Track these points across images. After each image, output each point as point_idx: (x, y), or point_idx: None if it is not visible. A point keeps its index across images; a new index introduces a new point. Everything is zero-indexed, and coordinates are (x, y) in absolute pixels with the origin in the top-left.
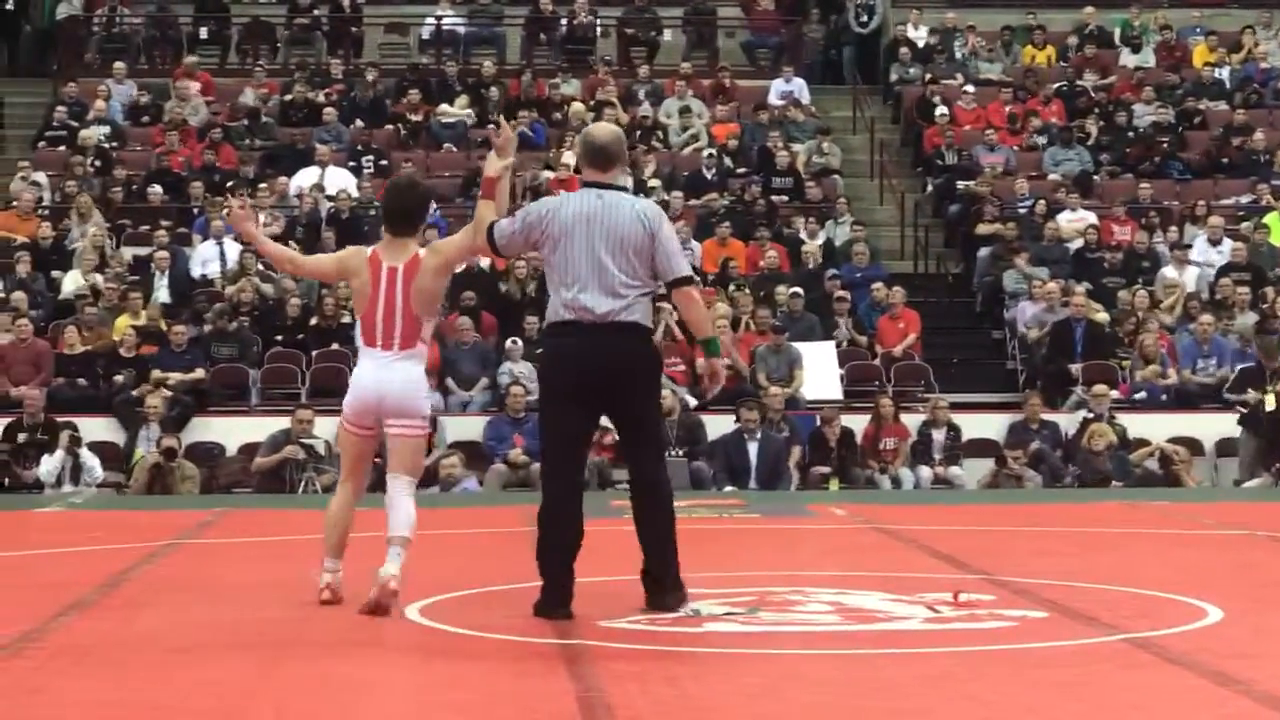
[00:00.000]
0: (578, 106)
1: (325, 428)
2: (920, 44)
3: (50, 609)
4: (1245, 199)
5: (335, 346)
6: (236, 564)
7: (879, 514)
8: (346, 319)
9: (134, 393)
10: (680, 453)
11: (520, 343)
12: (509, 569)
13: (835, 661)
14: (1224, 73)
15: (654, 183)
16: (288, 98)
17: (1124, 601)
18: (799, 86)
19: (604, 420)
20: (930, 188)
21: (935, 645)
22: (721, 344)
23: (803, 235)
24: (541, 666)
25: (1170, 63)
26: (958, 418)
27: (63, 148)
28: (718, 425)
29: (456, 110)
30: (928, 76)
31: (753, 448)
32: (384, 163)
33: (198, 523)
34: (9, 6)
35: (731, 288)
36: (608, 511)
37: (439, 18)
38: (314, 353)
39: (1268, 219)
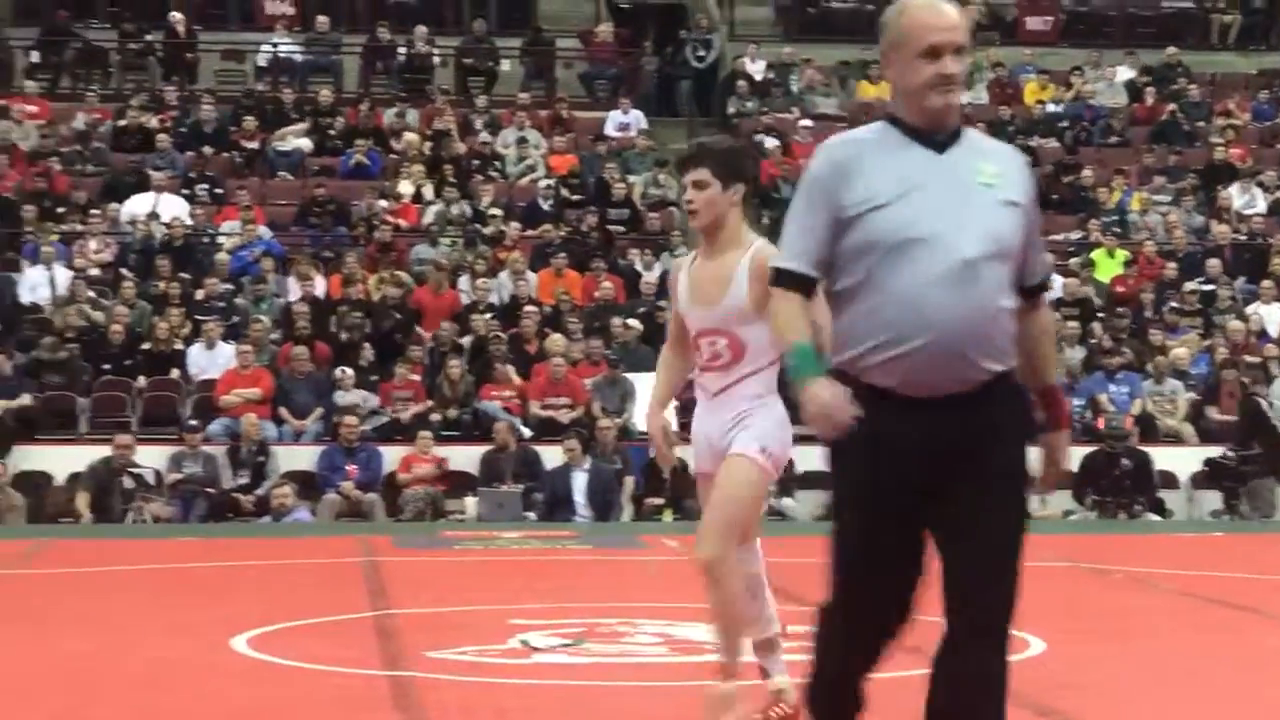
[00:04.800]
0: (412, 137)
1: (152, 456)
2: (757, 78)
3: None
4: (1075, 235)
5: (174, 374)
6: (60, 594)
7: None
8: (179, 345)
9: None
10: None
11: (350, 372)
12: (340, 600)
13: (660, 693)
14: (1056, 110)
15: (493, 212)
16: (121, 123)
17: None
18: (636, 118)
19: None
20: (766, 220)
21: (761, 677)
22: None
23: (639, 267)
24: (368, 698)
25: (1002, 99)
26: (792, 449)
27: None
28: (554, 457)
29: (293, 138)
30: (764, 110)
31: (579, 479)
32: (219, 190)
33: (22, 553)
34: None
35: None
36: (439, 542)
37: (275, 45)
38: (144, 380)
39: (1095, 255)
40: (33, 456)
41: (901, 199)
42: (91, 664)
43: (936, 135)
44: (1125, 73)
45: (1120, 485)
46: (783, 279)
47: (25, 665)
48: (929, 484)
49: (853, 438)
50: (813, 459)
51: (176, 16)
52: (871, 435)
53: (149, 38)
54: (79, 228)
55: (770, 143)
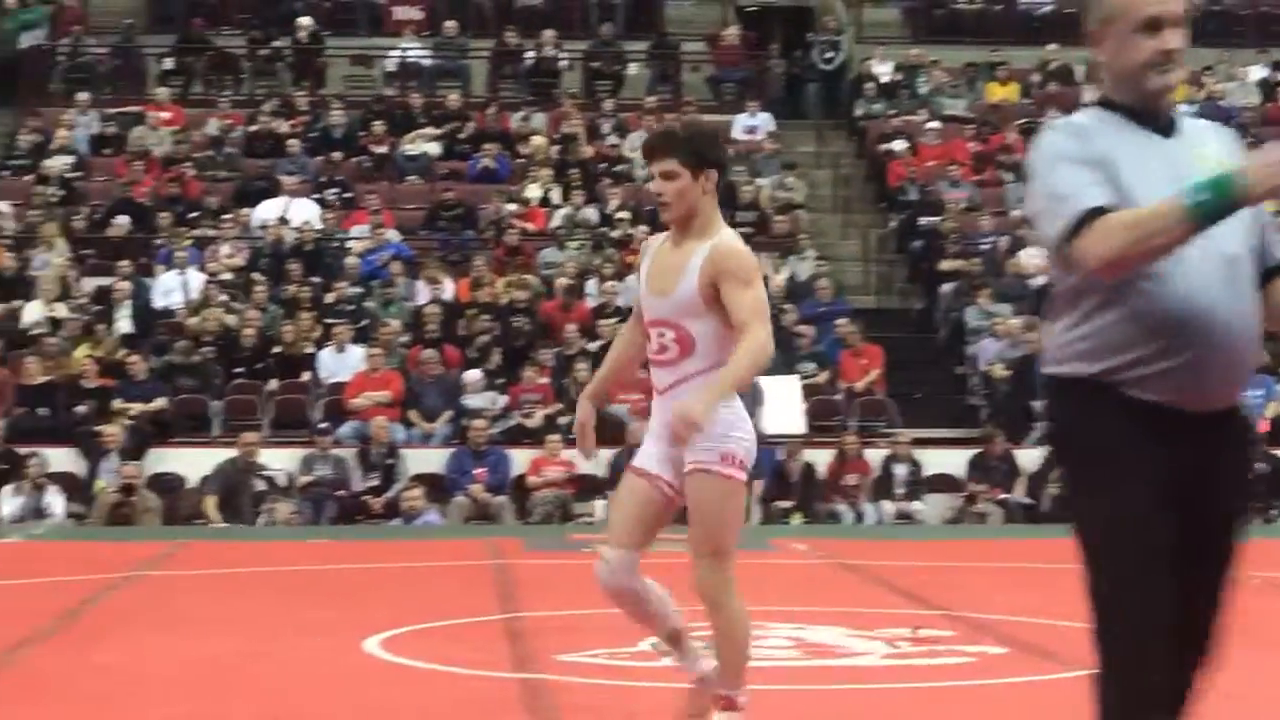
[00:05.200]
0: (539, 141)
1: (283, 459)
2: (884, 80)
3: (8, 641)
4: None
5: (304, 377)
6: (195, 596)
7: (840, 549)
8: (309, 348)
9: (96, 428)
10: None
11: (479, 375)
12: (470, 602)
13: (794, 697)
14: (1186, 110)
15: (620, 216)
16: (252, 129)
17: (1085, 638)
18: (763, 121)
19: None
20: (894, 223)
21: (894, 681)
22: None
23: (766, 270)
24: (499, 701)
25: None
26: (919, 453)
27: (26, 177)
28: None
29: (422, 142)
30: (892, 112)
31: None
32: (348, 194)
33: (159, 554)
34: None
35: None
36: (568, 545)
37: (404, 50)
38: (275, 383)
39: None
40: (167, 459)
41: (1144, 191)
42: (226, 665)
43: (1158, 118)
44: (1258, 72)
45: (1254, 490)
46: (1084, 220)
47: (161, 666)
48: (1187, 502)
49: (1113, 460)
50: (942, 462)
51: (304, 22)
52: (1136, 454)
53: (278, 44)
54: (211, 233)
55: (899, 145)
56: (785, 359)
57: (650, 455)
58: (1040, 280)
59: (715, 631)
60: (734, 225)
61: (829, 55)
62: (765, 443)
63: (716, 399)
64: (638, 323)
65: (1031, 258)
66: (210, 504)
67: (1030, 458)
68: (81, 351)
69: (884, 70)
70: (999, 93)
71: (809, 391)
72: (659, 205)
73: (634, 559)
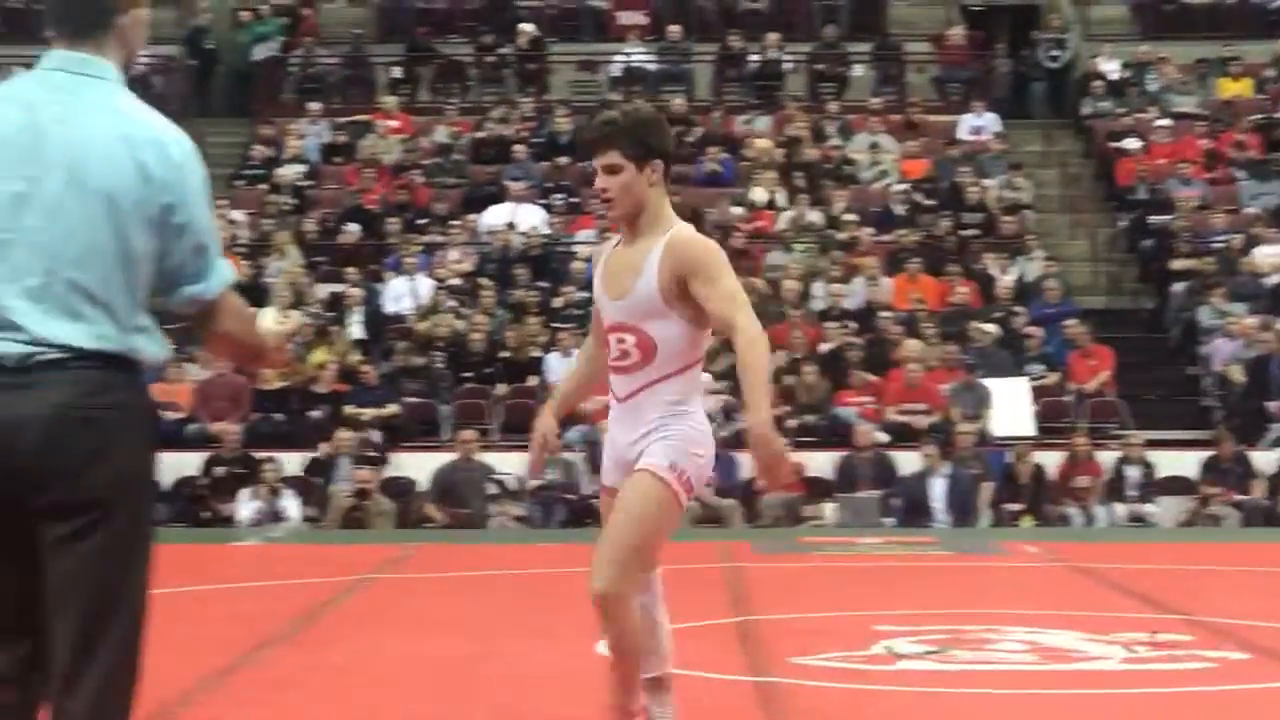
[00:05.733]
0: (764, 144)
1: (516, 462)
2: (1112, 77)
3: (248, 642)
4: None
5: (532, 381)
6: (430, 598)
7: (1072, 551)
8: (537, 353)
9: (325, 448)
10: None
11: (707, 378)
12: (701, 605)
13: (1032, 701)
14: None
15: (846, 218)
16: (479, 135)
17: None
18: (989, 121)
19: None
20: (1123, 223)
21: (1134, 686)
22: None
23: (993, 271)
24: (734, 703)
25: None
26: (1151, 454)
27: (260, 186)
28: (908, 462)
29: None
30: (1120, 110)
31: (938, 485)
32: (574, 199)
33: (392, 557)
34: (209, 46)
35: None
36: (798, 548)
37: (628, 55)
38: (505, 387)
39: None
40: (399, 463)
41: None
42: (460, 666)
43: None
44: None
45: None
46: None
47: (397, 667)
48: None
49: None
50: (1175, 464)
51: (525, 28)
52: None
53: (503, 51)
54: (439, 239)
55: (1131, 143)
56: (1015, 360)
57: (614, 467)
58: (1276, 278)
59: (608, 643)
60: (960, 227)
61: (1055, 53)
62: (994, 445)
63: (768, 414)
64: (595, 335)
65: (1267, 255)
66: (432, 508)
67: (1267, 460)
68: (318, 356)
69: (1111, 67)
70: (1231, 88)
71: (1038, 393)
72: (604, 202)
73: (647, 578)
